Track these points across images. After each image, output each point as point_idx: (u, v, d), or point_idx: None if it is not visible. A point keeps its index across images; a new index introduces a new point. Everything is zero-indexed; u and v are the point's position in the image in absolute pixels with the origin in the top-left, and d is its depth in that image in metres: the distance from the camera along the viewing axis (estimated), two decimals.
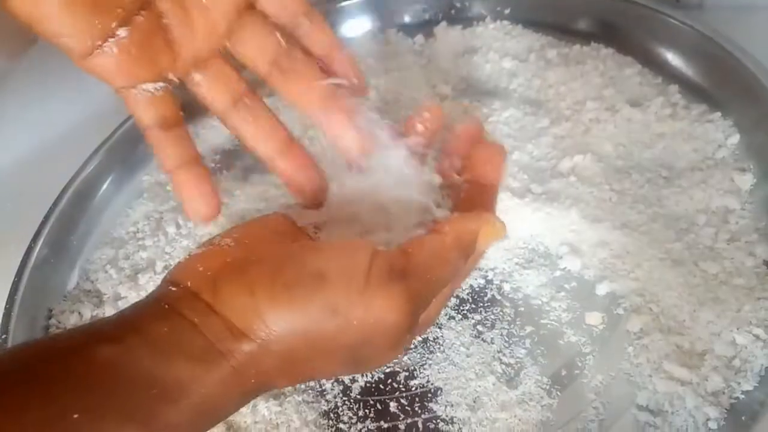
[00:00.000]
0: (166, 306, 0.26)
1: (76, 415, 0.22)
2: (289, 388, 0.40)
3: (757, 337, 0.37)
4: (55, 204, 0.51)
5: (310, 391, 0.40)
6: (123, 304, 0.46)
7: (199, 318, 0.26)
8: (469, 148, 0.37)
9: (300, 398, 0.40)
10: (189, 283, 0.27)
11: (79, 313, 0.46)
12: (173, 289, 0.27)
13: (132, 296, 0.46)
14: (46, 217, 0.50)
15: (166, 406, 0.24)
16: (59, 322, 0.46)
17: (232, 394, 0.26)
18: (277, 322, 0.25)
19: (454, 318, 0.42)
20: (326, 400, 0.40)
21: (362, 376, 0.40)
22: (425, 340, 0.41)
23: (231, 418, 0.39)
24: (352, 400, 0.40)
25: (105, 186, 0.55)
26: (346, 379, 0.40)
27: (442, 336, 0.41)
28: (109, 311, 0.46)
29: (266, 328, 0.25)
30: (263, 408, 0.39)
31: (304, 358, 0.26)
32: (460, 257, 0.30)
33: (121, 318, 0.27)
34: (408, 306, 0.27)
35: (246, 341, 0.25)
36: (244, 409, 0.39)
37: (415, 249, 0.29)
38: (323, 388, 0.40)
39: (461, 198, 0.35)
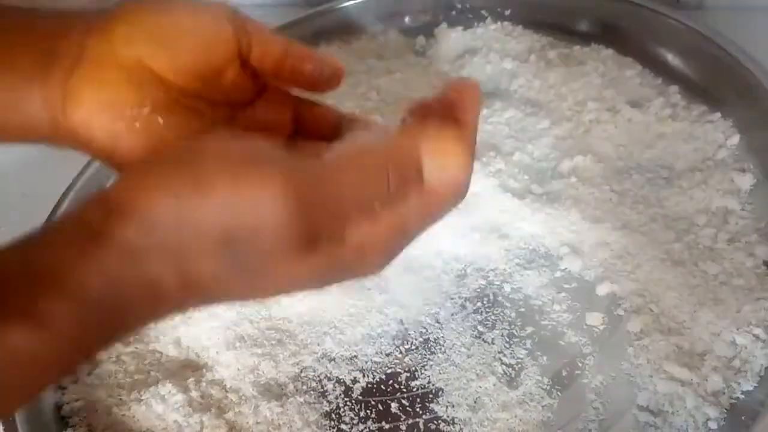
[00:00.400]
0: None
1: None
2: (291, 388, 0.40)
3: (756, 337, 0.37)
4: (58, 205, 0.51)
5: (312, 392, 0.40)
6: None
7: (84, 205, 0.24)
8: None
9: (302, 399, 0.40)
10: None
11: None
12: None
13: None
14: (49, 219, 0.50)
15: (46, 296, 0.22)
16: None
17: (121, 289, 0.23)
18: (150, 192, 0.23)
19: (454, 319, 0.42)
20: (328, 401, 0.40)
21: (363, 376, 0.41)
22: (426, 341, 0.41)
23: (233, 418, 0.39)
24: (353, 401, 0.40)
25: (107, 186, 0.55)
26: (348, 379, 0.41)
27: (442, 337, 0.41)
28: None
29: (137, 196, 0.23)
30: (265, 409, 0.39)
31: (179, 244, 0.23)
32: (394, 173, 0.25)
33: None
34: (294, 197, 0.23)
35: (122, 219, 0.23)
36: (246, 410, 0.39)
37: (331, 148, 0.25)
38: (325, 389, 0.40)
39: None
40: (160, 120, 0.29)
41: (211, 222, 0.23)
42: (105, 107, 0.28)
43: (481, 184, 0.47)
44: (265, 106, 0.32)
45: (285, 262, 0.24)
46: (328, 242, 0.24)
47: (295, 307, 0.44)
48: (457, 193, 0.27)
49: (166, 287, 0.24)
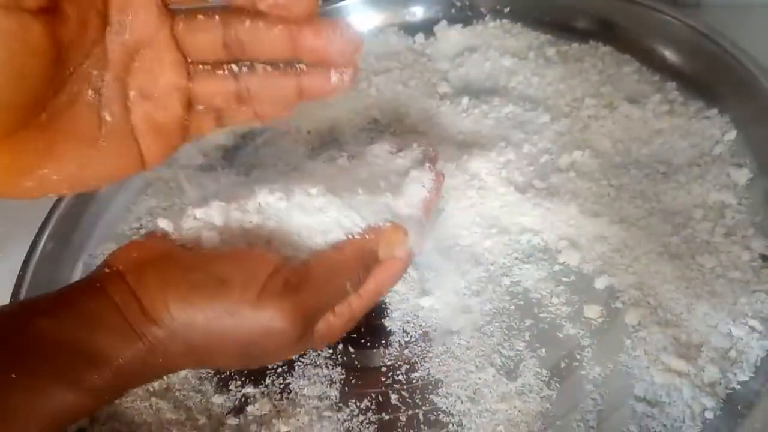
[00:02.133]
0: (98, 285, 0.31)
1: (14, 375, 0.27)
2: (291, 380, 0.41)
3: (752, 328, 0.37)
4: (59, 199, 0.52)
5: (312, 384, 0.41)
6: None
7: (120, 299, 0.30)
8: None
9: (303, 391, 0.40)
10: (120, 267, 0.32)
11: None
12: (107, 270, 0.32)
13: None
14: (51, 213, 0.51)
15: (90, 370, 0.29)
16: None
17: (145, 367, 0.31)
18: (181, 315, 0.30)
19: (454, 311, 0.42)
20: (328, 393, 0.40)
21: (363, 368, 0.41)
22: (425, 333, 0.42)
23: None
24: (353, 393, 0.40)
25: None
26: (348, 371, 0.41)
27: (442, 329, 0.42)
28: None
29: (172, 319, 0.30)
30: (266, 401, 0.40)
31: (202, 348, 0.31)
32: (360, 269, 0.34)
33: (58, 294, 0.31)
34: (296, 317, 0.31)
35: (155, 327, 0.30)
36: (246, 397, 0.40)
37: (313, 263, 0.33)
38: (325, 380, 0.41)
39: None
40: None
41: (233, 337, 0.30)
42: None
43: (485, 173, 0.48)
44: None
45: (287, 352, 0.34)
46: (308, 339, 0.33)
47: None
48: (402, 269, 0.36)
49: (178, 364, 0.32)
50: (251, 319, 0.30)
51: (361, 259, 0.34)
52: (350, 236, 0.34)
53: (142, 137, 0.29)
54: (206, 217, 0.35)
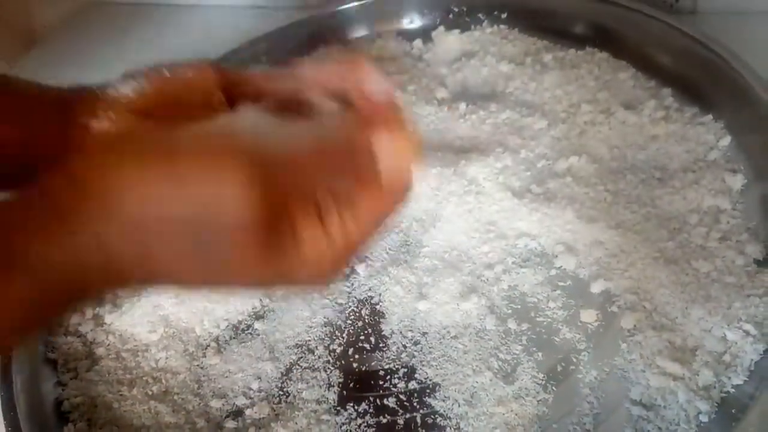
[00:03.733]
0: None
1: None
2: (289, 384, 0.41)
3: (747, 333, 0.37)
4: None
5: (310, 388, 0.41)
6: (122, 302, 0.46)
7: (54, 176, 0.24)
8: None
9: (301, 394, 0.40)
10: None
11: (82, 312, 0.47)
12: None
13: (129, 293, 0.46)
14: None
15: (6, 269, 0.23)
16: (60, 320, 0.46)
17: (81, 263, 0.24)
18: (120, 173, 0.24)
19: (451, 315, 0.43)
20: (326, 396, 0.40)
21: (361, 372, 0.41)
22: (423, 337, 0.42)
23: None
24: (351, 396, 0.40)
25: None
26: (346, 374, 0.41)
27: (439, 333, 0.42)
28: (109, 308, 0.46)
29: (107, 175, 0.24)
30: (265, 404, 0.40)
31: (144, 227, 0.24)
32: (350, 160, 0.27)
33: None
34: (254, 174, 0.24)
35: (88, 197, 0.24)
36: (245, 401, 0.40)
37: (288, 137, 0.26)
38: (323, 383, 0.41)
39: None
40: None
41: (179, 210, 0.24)
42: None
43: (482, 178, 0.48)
44: None
45: (242, 254, 0.25)
46: (284, 238, 0.25)
47: (294, 299, 0.44)
48: (405, 193, 0.28)
49: (126, 264, 0.25)
50: (195, 181, 0.24)
51: (352, 157, 0.27)
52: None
53: None
54: None
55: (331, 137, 0.27)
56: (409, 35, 0.64)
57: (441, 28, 0.63)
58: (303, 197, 0.25)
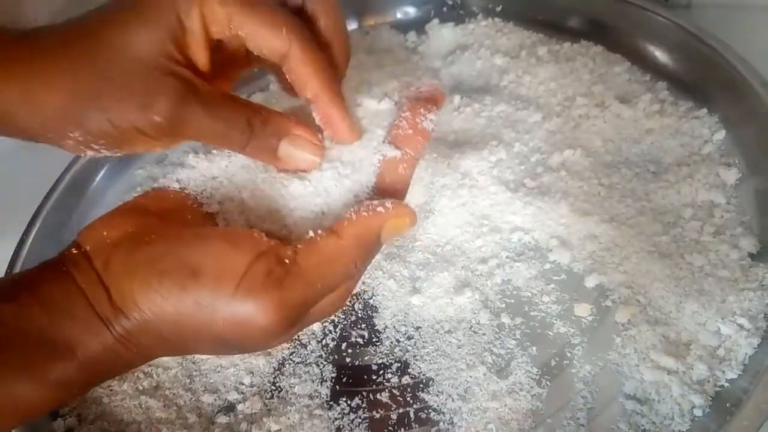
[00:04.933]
0: (64, 268, 0.28)
1: None
2: (281, 379, 0.41)
3: (741, 327, 0.37)
4: (47, 197, 0.51)
5: (302, 382, 0.40)
6: None
7: (87, 284, 0.28)
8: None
9: (293, 389, 0.40)
10: (88, 248, 0.29)
11: None
12: (74, 251, 0.29)
13: None
14: (38, 210, 0.50)
15: (56, 362, 0.27)
16: None
17: (117, 358, 0.28)
18: (149, 307, 0.27)
19: (445, 309, 0.42)
20: (318, 391, 0.40)
21: (354, 366, 0.41)
22: (416, 331, 0.42)
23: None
24: (344, 391, 0.40)
25: (98, 179, 0.55)
26: (339, 369, 0.41)
27: (432, 327, 0.42)
28: None
29: (139, 310, 0.27)
30: (257, 399, 0.40)
31: (176, 340, 0.28)
32: (359, 258, 0.29)
33: (20, 277, 0.29)
34: (279, 314, 0.27)
35: (123, 318, 0.27)
36: (237, 396, 0.40)
37: (304, 252, 0.28)
38: (315, 378, 0.41)
39: (379, 172, 0.33)
40: None
41: (207, 330, 0.27)
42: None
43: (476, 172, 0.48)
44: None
45: (268, 345, 0.30)
46: (306, 320, 0.30)
47: None
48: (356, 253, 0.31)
49: (157, 356, 0.30)
50: (227, 313, 0.27)
51: (361, 245, 0.29)
52: (350, 214, 0.29)
53: None
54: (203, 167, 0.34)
55: (338, 249, 0.29)
56: (403, 27, 0.64)
57: (435, 21, 0.62)
58: (314, 302, 0.29)
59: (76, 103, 0.29)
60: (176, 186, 0.33)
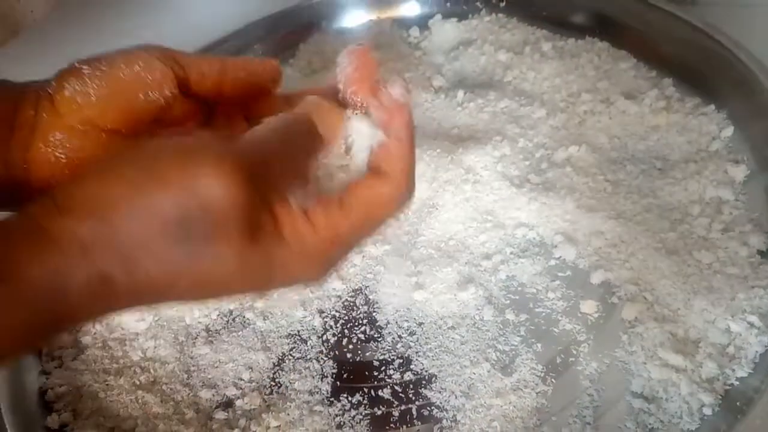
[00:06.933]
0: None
1: None
2: (282, 374, 0.40)
3: (751, 324, 0.37)
4: None
5: (304, 378, 0.40)
6: None
7: (36, 207, 0.24)
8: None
9: (295, 386, 0.39)
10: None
11: None
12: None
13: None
14: None
15: None
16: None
17: (62, 281, 0.23)
18: (93, 188, 0.24)
19: (448, 305, 0.42)
20: (320, 387, 0.39)
21: (356, 362, 0.40)
22: (419, 327, 0.41)
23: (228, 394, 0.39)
24: (346, 387, 0.39)
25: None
26: (341, 365, 0.40)
27: (436, 323, 0.41)
28: None
29: (86, 200, 0.24)
30: (258, 395, 0.39)
31: (130, 238, 0.24)
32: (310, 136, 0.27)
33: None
34: (240, 175, 0.24)
35: (68, 215, 0.23)
36: (235, 391, 0.39)
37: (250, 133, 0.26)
38: (317, 374, 0.40)
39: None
40: None
41: (165, 206, 0.24)
42: (64, 166, 0.29)
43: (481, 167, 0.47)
44: (218, 124, 0.33)
45: (232, 250, 0.25)
46: (269, 234, 0.25)
47: (286, 292, 0.43)
48: (406, 194, 0.28)
49: (115, 283, 0.24)
50: (180, 182, 0.23)
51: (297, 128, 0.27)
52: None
53: None
54: None
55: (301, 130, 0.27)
56: (406, 23, 0.63)
57: (438, 16, 0.62)
58: (280, 190, 0.26)
59: None
60: None
